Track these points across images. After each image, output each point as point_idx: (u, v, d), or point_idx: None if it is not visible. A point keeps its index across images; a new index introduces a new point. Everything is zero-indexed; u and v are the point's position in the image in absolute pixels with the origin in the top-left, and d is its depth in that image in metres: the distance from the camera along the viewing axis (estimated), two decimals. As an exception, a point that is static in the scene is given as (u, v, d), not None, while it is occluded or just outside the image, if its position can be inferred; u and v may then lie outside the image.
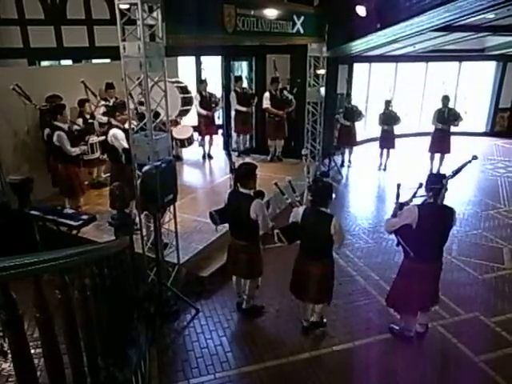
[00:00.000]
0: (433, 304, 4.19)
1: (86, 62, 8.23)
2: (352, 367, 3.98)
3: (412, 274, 3.96)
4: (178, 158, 8.55)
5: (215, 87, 9.56)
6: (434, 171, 8.92)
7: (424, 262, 3.87)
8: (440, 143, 9.00)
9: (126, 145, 5.37)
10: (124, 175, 5.12)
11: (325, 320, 4.45)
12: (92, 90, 6.84)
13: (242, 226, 4.31)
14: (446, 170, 8.75)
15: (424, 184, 3.84)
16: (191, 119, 9.01)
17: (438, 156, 9.23)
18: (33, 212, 5.01)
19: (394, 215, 3.99)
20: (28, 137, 6.41)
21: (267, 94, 8.63)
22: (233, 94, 8.80)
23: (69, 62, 8.04)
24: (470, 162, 4.04)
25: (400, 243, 3.95)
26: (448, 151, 9.06)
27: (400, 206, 3.96)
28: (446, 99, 8.81)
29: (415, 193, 4.01)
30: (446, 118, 8.76)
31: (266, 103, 8.62)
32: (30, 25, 7.37)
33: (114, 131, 5.54)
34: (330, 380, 3.77)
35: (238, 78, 8.95)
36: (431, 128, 9.22)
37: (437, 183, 3.73)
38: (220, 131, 9.70)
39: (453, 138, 9.13)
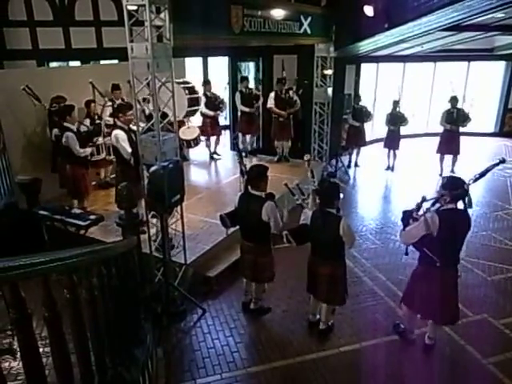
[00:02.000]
0: (440, 318, 3.97)
1: (94, 63, 8.28)
2: (359, 368, 3.96)
3: (424, 277, 3.86)
4: (185, 158, 8.57)
5: (220, 88, 9.58)
6: (445, 173, 8.86)
7: (440, 268, 3.72)
8: (448, 144, 8.88)
9: (126, 146, 5.39)
10: (129, 176, 5.15)
11: (331, 322, 4.44)
12: (100, 90, 6.90)
13: (252, 228, 4.29)
14: (459, 171, 8.73)
15: (439, 188, 3.68)
16: (196, 120, 9.02)
17: (448, 158, 9.12)
18: (41, 212, 5.05)
19: (406, 225, 3.80)
20: (37, 137, 6.46)
21: (272, 94, 8.62)
22: (238, 95, 8.81)
23: (77, 63, 8.10)
24: (497, 164, 3.78)
25: (424, 252, 3.73)
26: (457, 152, 8.95)
27: (410, 215, 3.79)
28: (454, 100, 8.72)
29: (419, 205, 3.78)
30: (455, 118, 8.66)
31: (270, 103, 8.60)
32: (38, 26, 7.44)
33: (115, 132, 5.54)
34: (336, 381, 3.76)
35: (244, 79, 8.96)
36: (439, 129, 9.15)
37: (458, 188, 3.55)
38: (225, 132, 9.72)
39: (462, 139, 9.00)
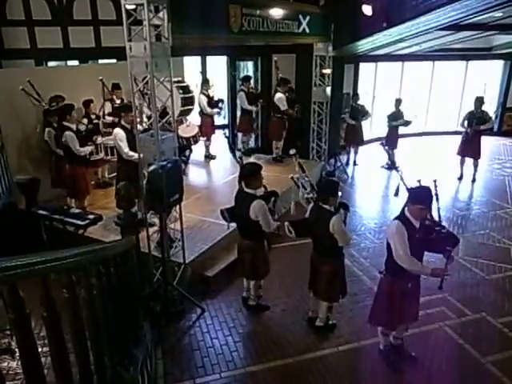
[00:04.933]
0: None
1: (93, 62, 8.27)
2: (357, 367, 3.97)
3: None
4: (185, 162, 8.55)
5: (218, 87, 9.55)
6: (470, 176, 8.81)
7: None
8: (468, 147, 8.54)
9: (123, 145, 5.47)
10: (130, 175, 5.16)
11: (333, 322, 4.44)
12: (108, 88, 7.03)
13: (246, 226, 4.33)
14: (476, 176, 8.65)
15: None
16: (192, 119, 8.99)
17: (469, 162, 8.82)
18: (40, 211, 5.05)
19: None
20: (35, 137, 6.45)
21: (282, 96, 8.42)
22: (242, 94, 8.77)
23: (75, 63, 8.08)
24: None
25: None
26: (476, 156, 8.62)
27: None
28: (477, 101, 8.32)
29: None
30: (475, 120, 8.28)
31: (283, 105, 8.39)
32: (37, 26, 7.41)
33: (115, 131, 5.64)
34: (335, 380, 3.76)
35: (247, 78, 8.93)
36: (438, 128, 9.12)
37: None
38: (224, 131, 9.72)
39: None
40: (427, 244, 3.50)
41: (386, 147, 8.76)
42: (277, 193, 4.39)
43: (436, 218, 3.63)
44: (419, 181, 3.66)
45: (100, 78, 6.81)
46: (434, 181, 3.62)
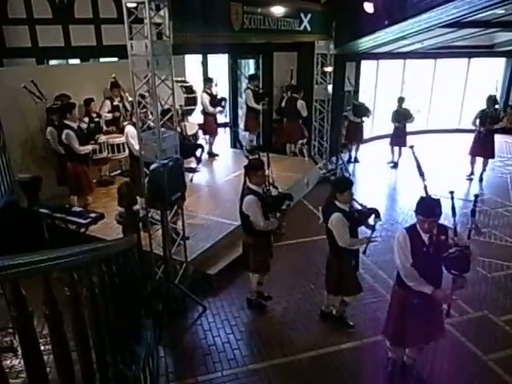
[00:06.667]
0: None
1: (94, 60, 8.27)
2: (360, 365, 3.97)
3: None
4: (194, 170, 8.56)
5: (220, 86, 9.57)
6: (477, 176, 8.72)
7: None
8: (480, 146, 8.39)
9: (134, 143, 5.44)
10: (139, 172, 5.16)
11: (351, 323, 4.47)
12: (121, 86, 7.08)
13: (242, 220, 4.38)
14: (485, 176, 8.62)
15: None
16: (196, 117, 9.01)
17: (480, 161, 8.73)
18: (41, 210, 5.05)
19: None
20: (37, 135, 6.46)
21: (304, 102, 8.60)
22: (248, 92, 8.80)
23: (77, 61, 8.09)
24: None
25: None
26: (489, 155, 8.53)
27: None
28: (490, 100, 8.22)
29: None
30: (487, 119, 8.14)
31: (305, 111, 8.64)
32: (38, 24, 7.41)
33: (127, 128, 5.65)
34: (337, 378, 3.77)
35: (254, 77, 8.93)
36: (439, 126, 9.10)
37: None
38: (225, 129, 9.72)
39: (463, 136, 8.83)
40: (442, 262, 3.25)
41: (396, 147, 8.79)
42: (291, 196, 4.41)
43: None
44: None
45: (113, 75, 6.86)
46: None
